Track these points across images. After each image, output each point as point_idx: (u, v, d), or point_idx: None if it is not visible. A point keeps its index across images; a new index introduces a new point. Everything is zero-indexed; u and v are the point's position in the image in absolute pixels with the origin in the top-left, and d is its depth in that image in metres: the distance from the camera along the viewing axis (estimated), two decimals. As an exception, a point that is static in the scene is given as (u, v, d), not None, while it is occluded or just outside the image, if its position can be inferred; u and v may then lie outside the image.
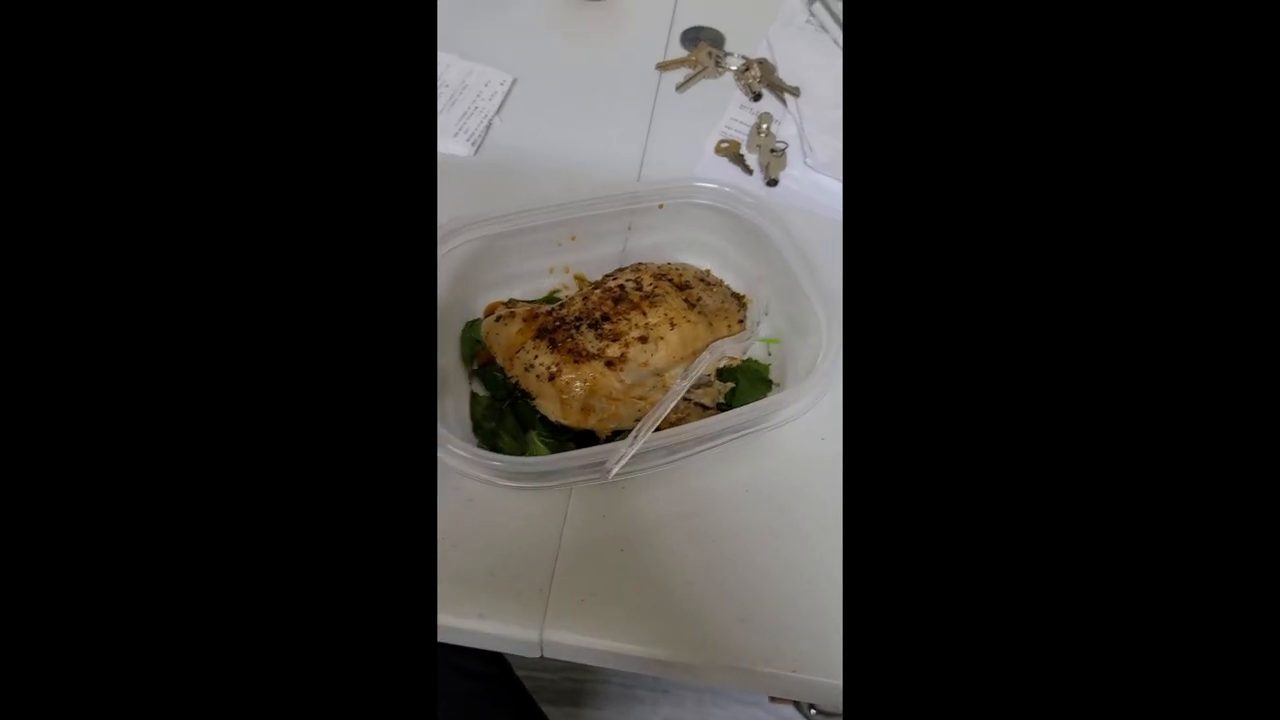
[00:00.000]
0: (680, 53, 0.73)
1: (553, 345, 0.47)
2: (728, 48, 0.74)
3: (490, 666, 0.63)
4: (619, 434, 0.46)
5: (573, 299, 0.50)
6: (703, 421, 0.44)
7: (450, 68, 0.68)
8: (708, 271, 0.54)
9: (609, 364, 0.46)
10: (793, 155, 0.65)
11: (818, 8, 0.77)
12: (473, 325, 0.53)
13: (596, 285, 0.51)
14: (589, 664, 0.45)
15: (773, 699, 1.20)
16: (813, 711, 1.17)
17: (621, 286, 0.49)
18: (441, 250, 0.50)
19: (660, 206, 0.54)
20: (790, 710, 1.19)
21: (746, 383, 0.52)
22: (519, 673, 0.70)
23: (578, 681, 1.19)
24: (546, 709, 0.70)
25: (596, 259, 0.56)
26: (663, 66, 0.72)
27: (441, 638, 0.44)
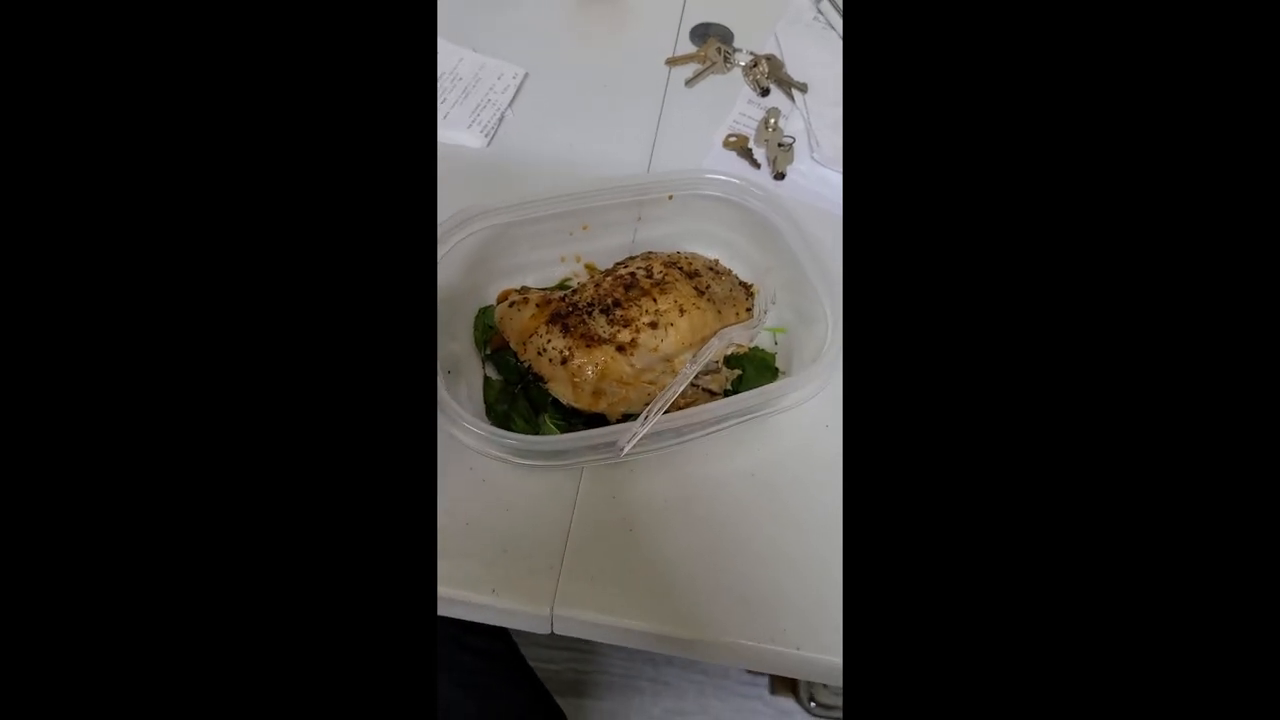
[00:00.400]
0: (689, 48, 0.74)
1: (565, 330, 0.48)
2: (736, 44, 0.75)
3: (496, 644, 0.65)
4: (628, 417, 0.47)
5: (585, 286, 0.51)
6: (710, 404, 0.45)
7: (464, 61, 0.69)
8: (716, 261, 0.55)
9: (620, 349, 0.48)
10: (799, 150, 0.67)
11: (825, 5, 0.79)
12: (486, 311, 0.54)
13: (608, 273, 0.52)
14: (596, 640, 0.46)
15: (773, 691, 1.21)
16: (813, 704, 1.19)
17: (633, 274, 0.50)
18: (455, 239, 0.51)
19: (670, 198, 0.56)
20: (789, 702, 1.21)
21: (753, 370, 0.53)
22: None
23: (581, 672, 1.21)
24: (550, 698, 0.72)
25: (607, 248, 0.57)
26: (672, 62, 0.73)
27: (455, 613, 0.45)
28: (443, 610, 0.45)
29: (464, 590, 0.44)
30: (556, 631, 0.45)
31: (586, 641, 1.20)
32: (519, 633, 0.75)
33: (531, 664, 0.73)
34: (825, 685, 1.17)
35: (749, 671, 1.22)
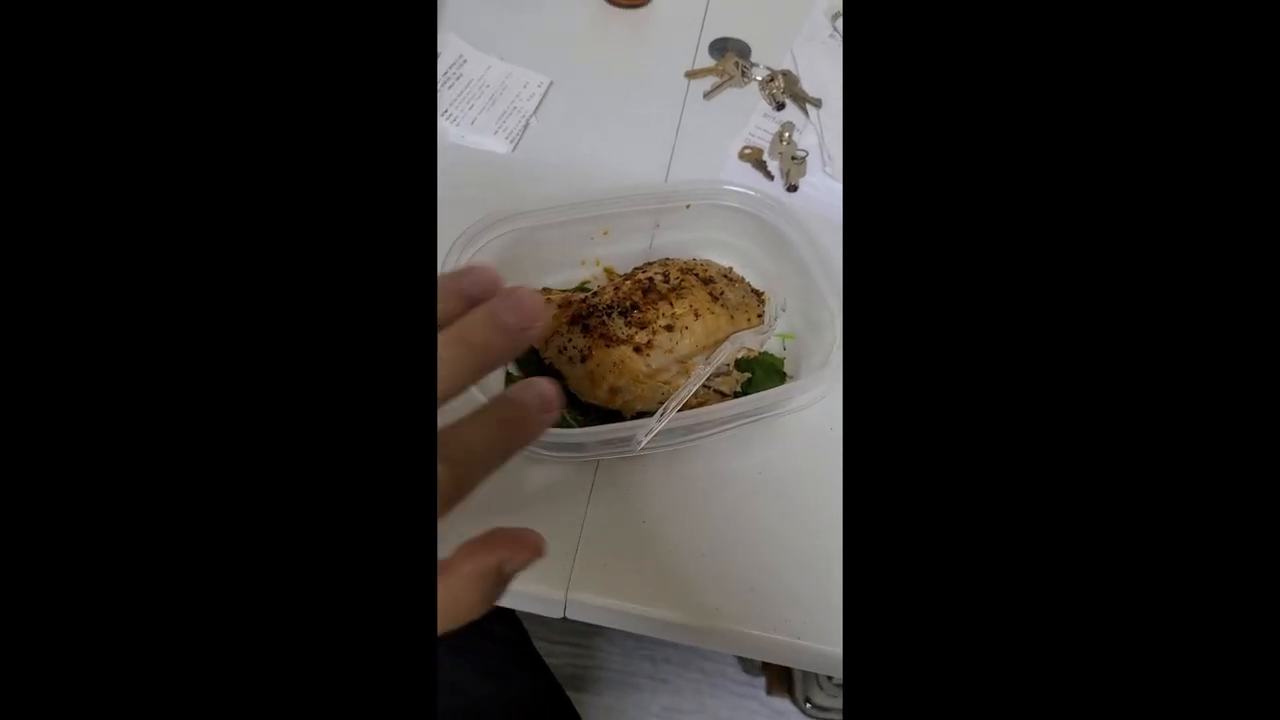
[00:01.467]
0: (708, 62, 0.77)
1: (585, 330, 0.50)
2: (753, 59, 0.77)
3: (513, 633, 0.67)
4: (642, 415, 0.50)
5: (604, 289, 0.54)
6: (722, 404, 0.47)
7: (491, 69, 0.72)
8: (730, 269, 0.58)
9: (637, 349, 0.50)
10: (812, 163, 0.69)
11: (840, 23, 0.81)
12: (508, 310, 0.56)
13: (627, 277, 0.54)
14: (607, 625, 0.48)
15: (770, 692, 1.23)
16: (808, 705, 1.21)
17: (650, 279, 0.53)
18: (482, 241, 0.53)
19: (688, 207, 0.58)
20: (785, 703, 1.23)
21: (762, 374, 0.55)
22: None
23: (580, 667, 1.23)
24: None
25: (625, 253, 0.60)
26: (691, 74, 0.76)
27: (474, 594, 0.47)
28: (462, 592, 0.47)
29: (484, 573, 0.46)
30: (569, 616, 0.48)
31: (586, 637, 1.23)
32: (526, 624, 0.77)
33: (535, 656, 0.75)
34: (820, 687, 1.19)
35: (746, 671, 1.24)
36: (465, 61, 0.73)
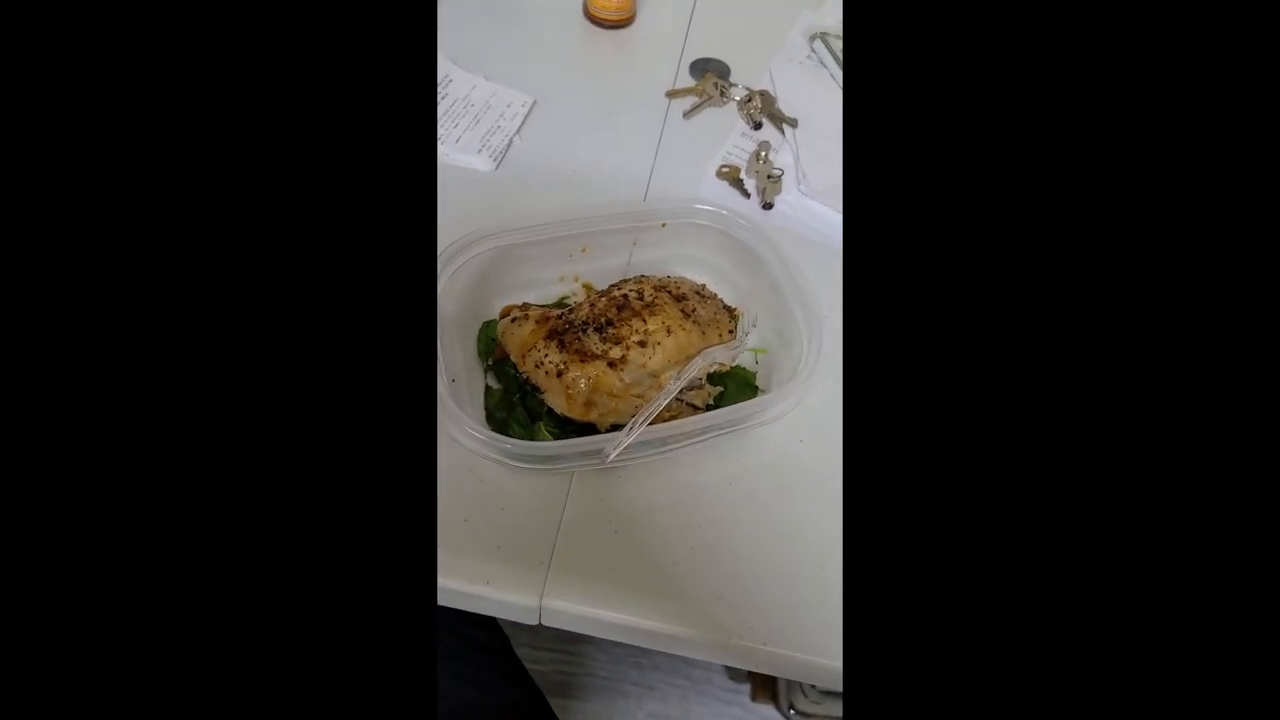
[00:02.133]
0: (688, 82, 0.79)
1: (561, 346, 0.52)
2: (733, 79, 0.79)
3: (495, 639, 0.69)
4: (616, 428, 0.52)
5: (581, 305, 0.55)
6: (693, 417, 0.49)
7: (476, 88, 0.74)
8: (703, 285, 0.60)
9: (611, 364, 0.52)
10: (788, 182, 0.71)
11: (818, 45, 0.83)
12: (489, 325, 0.58)
13: (602, 294, 0.56)
14: (582, 632, 0.50)
15: (754, 698, 1.24)
16: (792, 712, 1.22)
17: (625, 296, 0.55)
18: (464, 257, 0.55)
19: (663, 225, 0.60)
20: (769, 710, 1.24)
21: (734, 387, 0.57)
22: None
23: (567, 673, 1.24)
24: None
25: (603, 270, 0.62)
26: (672, 94, 0.78)
27: (451, 602, 0.49)
28: (439, 599, 0.49)
29: (460, 581, 0.48)
30: (544, 623, 0.49)
31: (573, 644, 1.24)
32: (510, 632, 0.79)
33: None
34: (805, 694, 1.21)
35: (731, 678, 1.25)
36: (451, 81, 0.75)
